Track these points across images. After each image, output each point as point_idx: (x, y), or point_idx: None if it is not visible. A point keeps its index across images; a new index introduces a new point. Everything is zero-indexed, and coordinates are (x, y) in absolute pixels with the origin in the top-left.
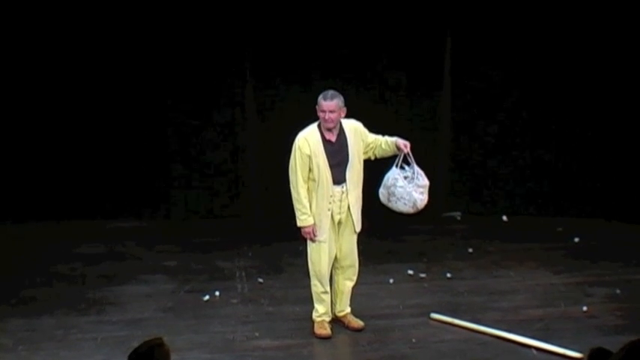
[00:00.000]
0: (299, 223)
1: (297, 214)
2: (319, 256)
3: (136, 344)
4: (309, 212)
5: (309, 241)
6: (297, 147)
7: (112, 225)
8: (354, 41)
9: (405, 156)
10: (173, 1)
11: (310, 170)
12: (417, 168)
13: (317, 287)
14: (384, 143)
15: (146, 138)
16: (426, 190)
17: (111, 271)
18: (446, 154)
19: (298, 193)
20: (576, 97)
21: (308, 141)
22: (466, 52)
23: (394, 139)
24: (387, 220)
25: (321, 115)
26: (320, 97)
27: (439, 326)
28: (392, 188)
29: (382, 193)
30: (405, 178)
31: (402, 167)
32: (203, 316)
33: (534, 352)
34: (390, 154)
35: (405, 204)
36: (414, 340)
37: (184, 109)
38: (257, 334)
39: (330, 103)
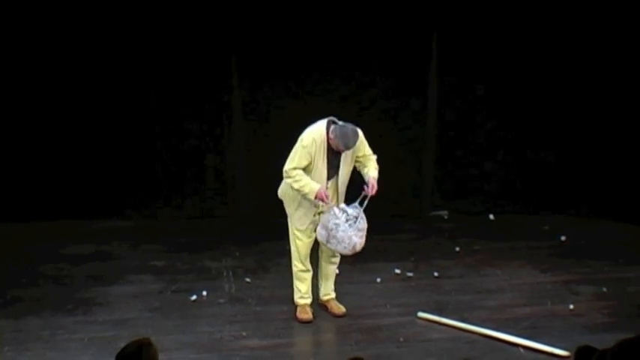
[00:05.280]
0: (310, 196)
1: (304, 192)
2: (300, 237)
3: (123, 344)
4: (310, 181)
5: (290, 223)
6: (303, 144)
7: (99, 225)
8: (340, 43)
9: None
10: (162, 5)
11: (307, 165)
12: (361, 211)
13: (297, 267)
14: (364, 171)
15: (132, 138)
16: (364, 234)
17: (98, 271)
18: (432, 153)
19: (294, 176)
20: (563, 95)
21: (316, 142)
22: (453, 50)
23: (370, 175)
24: (373, 219)
25: (335, 148)
26: (339, 140)
27: (426, 325)
28: (333, 232)
29: (321, 234)
30: (347, 220)
31: (345, 205)
32: (190, 316)
33: (521, 350)
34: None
35: (344, 247)
36: (401, 339)
37: (171, 109)
38: (244, 333)
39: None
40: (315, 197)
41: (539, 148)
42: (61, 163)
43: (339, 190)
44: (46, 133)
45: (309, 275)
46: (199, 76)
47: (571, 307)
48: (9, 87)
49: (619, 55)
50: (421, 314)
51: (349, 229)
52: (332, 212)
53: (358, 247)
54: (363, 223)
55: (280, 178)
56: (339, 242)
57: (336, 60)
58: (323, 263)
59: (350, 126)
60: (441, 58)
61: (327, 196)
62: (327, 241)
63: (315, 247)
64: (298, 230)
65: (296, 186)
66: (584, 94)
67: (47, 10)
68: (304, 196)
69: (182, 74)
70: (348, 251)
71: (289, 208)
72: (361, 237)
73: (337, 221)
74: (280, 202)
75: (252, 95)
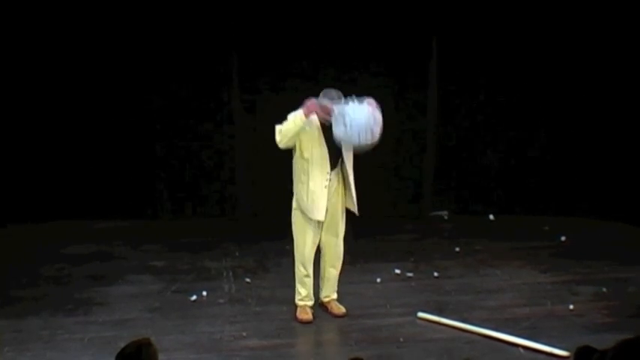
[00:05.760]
0: (301, 122)
1: (295, 121)
2: (304, 240)
3: (123, 345)
4: (292, 113)
5: (294, 226)
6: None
7: (99, 225)
8: (342, 44)
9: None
10: (163, 4)
11: (304, 149)
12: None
13: (300, 271)
14: None
15: (132, 138)
16: (376, 107)
17: (98, 271)
18: (432, 154)
19: (282, 126)
20: (562, 96)
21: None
22: (452, 50)
23: None
24: (374, 219)
25: (325, 115)
26: (325, 100)
27: (426, 325)
28: (344, 113)
29: (339, 129)
30: (352, 102)
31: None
32: (190, 316)
33: (521, 350)
34: None
35: (366, 118)
36: (401, 339)
37: (171, 108)
38: (244, 333)
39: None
40: (307, 115)
41: (539, 148)
42: (62, 163)
43: (347, 179)
44: (46, 133)
45: (309, 281)
46: (199, 75)
47: (571, 307)
48: (10, 87)
49: (620, 56)
50: (421, 314)
51: (359, 105)
52: (335, 114)
53: (378, 116)
54: (368, 101)
55: (281, 179)
56: (355, 118)
57: (337, 60)
58: (326, 267)
59: None
60: (441, 58)
61: (312, 101)
62: (346, 129)
63: (317, 250)
64: (313, 222)
65: (285, 127)
66: (584, 95)
67: (48, 11)
68: (303, 124)
69: (182, 74)
70: (371, 123)
71: (301, 202)
72: (374, 108)
73: (343, 106)
74: (280, 203)
75: (252, 95)
